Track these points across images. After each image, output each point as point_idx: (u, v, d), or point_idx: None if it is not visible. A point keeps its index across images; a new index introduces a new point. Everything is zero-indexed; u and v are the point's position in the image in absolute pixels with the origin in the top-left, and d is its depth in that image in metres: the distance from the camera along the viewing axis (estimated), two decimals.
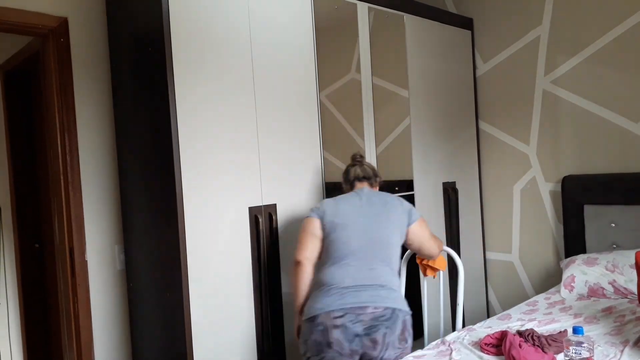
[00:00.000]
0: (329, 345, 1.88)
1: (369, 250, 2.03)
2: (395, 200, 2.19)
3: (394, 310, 1.93)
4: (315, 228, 2.08)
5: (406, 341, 1.98)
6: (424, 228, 2.22)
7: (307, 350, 1.95)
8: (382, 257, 2.05)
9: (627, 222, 2.90)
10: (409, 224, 2.15)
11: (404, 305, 2.00)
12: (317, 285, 2.03)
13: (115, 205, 2.46)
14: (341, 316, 1.89)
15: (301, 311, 2.05)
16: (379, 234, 2.07)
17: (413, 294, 2.62)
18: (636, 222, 2.86)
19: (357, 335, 1.88)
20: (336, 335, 1.87)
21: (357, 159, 2.31)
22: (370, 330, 1.89)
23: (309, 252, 2.07)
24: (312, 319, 1.93)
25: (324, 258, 2.07)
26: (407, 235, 2.16)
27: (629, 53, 2.93)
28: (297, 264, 2.07)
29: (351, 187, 2.27)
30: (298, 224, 2.44)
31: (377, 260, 2.04)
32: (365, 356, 1.92)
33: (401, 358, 1.95)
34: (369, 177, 2.26)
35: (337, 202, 2.14)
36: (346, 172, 2.30)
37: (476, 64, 3.61)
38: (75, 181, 2.35)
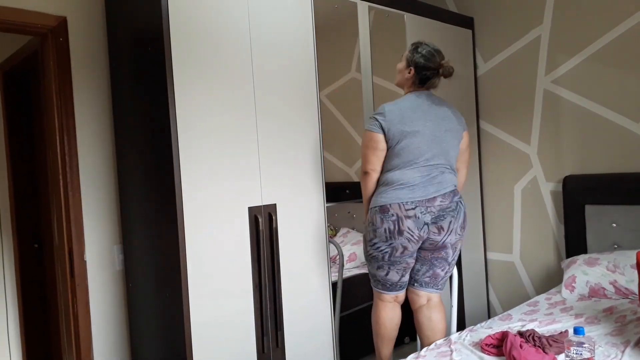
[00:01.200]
0: (400, 232, 2.14)
1: (437, 155, 2.23)
2: (451, 108, 2.36)
3: (458, 202, 2.25)
4: (378, 143, 2.23)
5: (464, 229, 2.31)
6: (468, 136, 2.46)
7: (375, 237, 2.20)
8: (447, 161, 2.27)
9: (629, 222, 2.89)
10: (463, 130, 2.39)
11: (464, 201, 2.32)
12: (387, 182, 2.22)
13: (114, 206, 2.46)
14: (413, 208, 2.15)
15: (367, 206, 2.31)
16: (446, 140, 2.26)
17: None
18: (637, 222, 2.86)
19: (425, 223, 2.16)
20: (408, 224, 2.14)
21: (443, 64, 2.30)
22: (437, 219, 2.18)
23: (375, 164, 2.26)
24: (385, 209, 2.17)
25: (395, 162, 2.22)
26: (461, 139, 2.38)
27: (630, 52, 2.92)
28: (365, 174, 2.29)
29: (419, 84, 2.32)
30: (298, 224, 2.44)
31: (443, 164, 2.25)
32: (427, 240, 2.21)
33: (460, 243, 2.31)
34: (436, 85, 2.36)
35: (401, 110, 2.23)
36: (423, 67, 2.30)
37: (477, 64, 3.60)
38: (75, 181, 2.34)
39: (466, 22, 3.53)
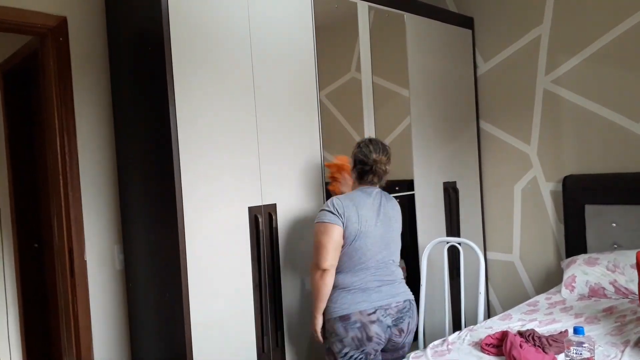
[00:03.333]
0: (369, 339, 2.06)
1: (385, 253, 2.18)
2: (395, 203, 2.30)
3: (410, 301, 2.20)
4: (338, 236, 2.09)
5: (417, 325, 2.35)
6: None
7: (344, 347, 2.08)
8: (394, 257, 2.23)
9: (628, 222, 2.89)
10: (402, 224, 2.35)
11: (412, 296, 2.25)
12: (342, 286, 2.12)
13: (114, 205, 2.45)
14: (373, 312, 2.07)
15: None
16: (392, 238, 2.22)
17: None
18: (637, 222, 2.86)
19: (388, 326, 2.10)
20: (375, 329, 2.06)
21: (378, 159, 2.16)
22: (397, 321, 2.13)
23: (334, 259, 2.09)
24: (346, 318, 2.07)
25: (348, 263, 2.12)
26: None
27: (630, 52, 2.92)
28: (323, 271, 2.09)
29: (360, 179, 2.20)
30: (298, 224, 2.44)
31: (391, 260, 2.20)
32: (389, 342, 2.15)
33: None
34: (379, 182, 2.23)
35: (357, 207, 2.12)
36: (362, 162, 2.16)
37: (477, 63, 3.60)
38: (75, 181, 2.34)
39: (466, 22, 3.53)
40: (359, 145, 2.20)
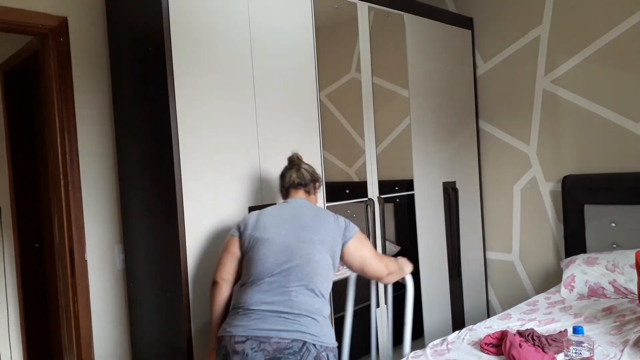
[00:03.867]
0: None
1: (287, 269, 1.76)
2: (328, 216, 1.90)
3: (304, 343, 1.66)
4: (233, 246, 1.87)
5: None
6: (364, 245, 1.92)
7: None
8: (303, 278, 1.75)
9: (628, 221, 2.89)
10: (344, 242, 1.86)
11: (324, 339, 1.70)
12: (231, 306, 1.84)
13: (115, 205, 2.46)
14: (243, 341, 1.66)
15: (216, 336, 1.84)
16: (302, 251, 1.78)
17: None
18: (636, 221, 2.86)
19: None
20: None
21: (294, 161, 2.04)
22: None
23: (226, 272, 1.88)
24: (219, 341, 1.74)
25: (242, 277, 1.85)
26: (342, 255, 1.88)
27: (630, 52, 2.93)
28: (213, 284, 1.90)
29: (286, 195, 2.01)
30: None
31: (297, 282, 1.75)
32: None
33: None
34: (306, 183, 1.99)
35: (261, 215, 1.88)
36: (281, 177, 2.03)
37: (476, 64, 3.60)
38: (75, 181, 2.34)
39: (465, 23, 3.54)
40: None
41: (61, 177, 2.34)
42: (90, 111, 2.40)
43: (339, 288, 2.69)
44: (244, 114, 2.26)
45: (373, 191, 2.84)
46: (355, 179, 2.80)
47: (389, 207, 3.05)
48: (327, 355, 1.70)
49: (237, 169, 2.23)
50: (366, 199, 2.82)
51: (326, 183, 2.58)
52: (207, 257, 2.12)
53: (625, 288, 2.59)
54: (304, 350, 1.65)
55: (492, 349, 2.00)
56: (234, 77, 2.23)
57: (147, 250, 2.28)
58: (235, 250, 1.87)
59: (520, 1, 3.36)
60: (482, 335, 2.15)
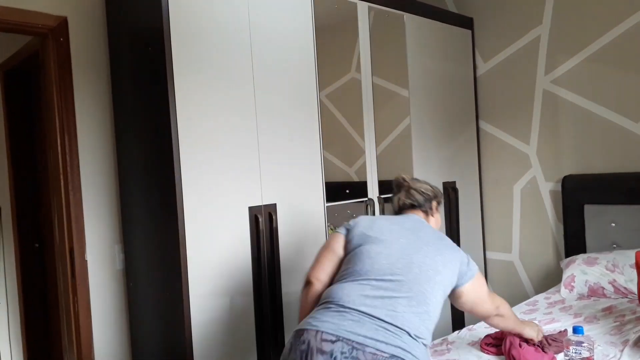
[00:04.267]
0: None
1: (400, 280, 1.55)
2: (451, 243, 1.74)
3: None
4: (337, 244, 1.70)
5: None
6: (482, 284, 1.73)
7: None
8: (418, 295, 1.54)
9: (628, 221, 2.89)
10: (463, 281, 1.66)
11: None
12: (320, 300, 1.62)
13: (115, 205, 2.46)
14: (332, 341, 1.43)
15: None
16: (422, 266, 1.58)
17: None
18: (636, 221, 2.86)
19: None
20: None
21: (402, 183, 1.86)
22: None
23: (323, 272, 1.68)
24: (298, 334, 1.50)
25: (340, 272, 1.65)
26: (457, 294, 1.68)
27: (630, 52, 2.93)
28: (307, 283, 1.71)
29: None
30: (298, 224, 2.45)
31: (407, 295, 1.53)
32: None
33: None
34: (421, 204, 1.81)
35: (377, 218, 1.76)
36: (392, 202, 1.90)
37: (476, 64, 3.60)
38: (75, 181, 2.34)
39: (466, 23, 3.54)
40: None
41: (61, 177, 2.34)
42: (90, 111, 2.40)
43: None
44: (244, 113, 2.26)
45: (373, 191, 2.84)
46: (356, 179, 2.80)
47: (389, 207, 3.05)
48: None
49: (237, 168, 2.23)
50: (366, 199, 2.82)
51: (326, 183, 2.58)
52: (208, 257, 2.12)
53: (625, 288, 2.59)
54: None
55: (492, 349, 2.00)
56: (234, 77, 2.23)
57: (147, 250, 2.28)
58: (338, 249, 1.69)
59: (520, 1, 3.36)
60: (482, 335, 2.15)
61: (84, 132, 2.38)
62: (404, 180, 1.88)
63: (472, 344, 2.10)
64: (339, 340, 1.43)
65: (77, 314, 2.34)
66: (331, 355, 1.41)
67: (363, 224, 1.71)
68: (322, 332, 1.45)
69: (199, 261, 2.09)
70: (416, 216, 1.80)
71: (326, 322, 1.48)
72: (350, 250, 1.67)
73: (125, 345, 2.48)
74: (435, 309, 1.58)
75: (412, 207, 1.82)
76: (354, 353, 1.40)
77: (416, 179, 1.90)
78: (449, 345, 2.12)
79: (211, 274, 2.13)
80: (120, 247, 2.46)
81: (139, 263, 2.35)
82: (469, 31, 3.56)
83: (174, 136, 2.02)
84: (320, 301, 1.62)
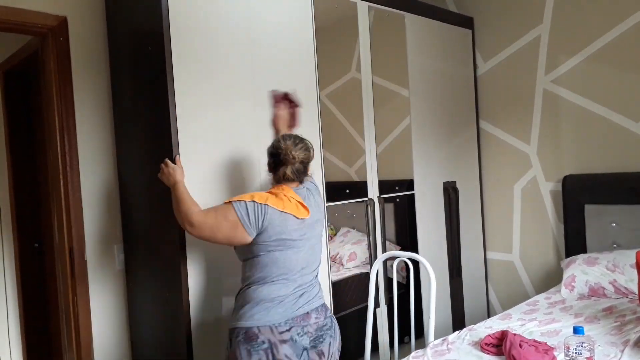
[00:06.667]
0: None
1: (309, 265, 1.86)
2: (320, 199, 1.98)
3: (332, 318, 1.86)
4: (240, 233, 1.77)
5: (339, 351, 1.88)
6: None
7: None
8: (316, 270, 1.91)
9: (628, 221, 2.89)
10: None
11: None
12: (250, 298, 1.78)
13: (114, 205, 2.46)
14: (287, 329, 1.71)
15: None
16: (317, 249, 1.92)
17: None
18: (637, 221, 2.86)
19: (305, 348, 1.73)
20: (285, 351, 1.68)
21: (299, 144, 1.93)
22: (316, 342, 1.77)
23: (220, 237, 1.78)
24: (252, 336, 1.69)
25: (263, 273, 1.79)
26: None
27: (630, 52, 2.93)
28: (191, 226, 1.78)
29: (279, 179, 1.90)
30: None
31: (314, 273, 1.90)
32: None
33: None
34: (305, 173, 1.92)
35: (282, 216, 1.79)
36: (279, 160, 1.89)
37: (477, 63, 3.60)
38: (75, 181, 2.34)
39: (466, 22, 3.53)
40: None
41: (61, 176, 2.34)
42: (90, 110, 2.40)
43: (339, 288, 2.69)
44: (243, 112, 2.26)
45: (373, 191, 2.84)
46: (356, 178, 2.80)
47: (389, 206, 3.05)
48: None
49: (237, 168, 2.22)
50: (366, 198, 2.81)
51: (326, 183, 2.58)
52: (208, 256, 2.12)
53: (626, 288, 2.58)
54: (333, 324, 1.89)
55: (493, 349, 2.00)
56: (234, 76, 2.23)
57: (147, 250, 2.28)
58: (241, 236, 1.82)
59: (521, 1, 3.35)
60: (483, 335, 2.15)
61: (84, 132, 2.38)
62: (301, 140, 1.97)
63: (472, 344, 2.10)
64: (292, 327, 1.74)
65: (77, 314, 2.34)
66: (291, 339, 1.72)
67: (278, 227, 1.79)
68: (275, 325, 1.72)
69: (199, 261, 2.09)
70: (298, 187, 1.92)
71: (274, 316, 1.74)
72: (266, 250, 1.81)
73: (125, 346, 2.48)
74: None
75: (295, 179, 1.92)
76: (305, 329, 1.77)
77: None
78: (449, 345, 2.12)
79: (211, 273, 2.13)
80: (120, 247, 2.46)
81: (139, 263, 2.34)
82: (469, 31, 3.56)
83: (173, 136, 2.02)
84: (249, 300, 1.80)
